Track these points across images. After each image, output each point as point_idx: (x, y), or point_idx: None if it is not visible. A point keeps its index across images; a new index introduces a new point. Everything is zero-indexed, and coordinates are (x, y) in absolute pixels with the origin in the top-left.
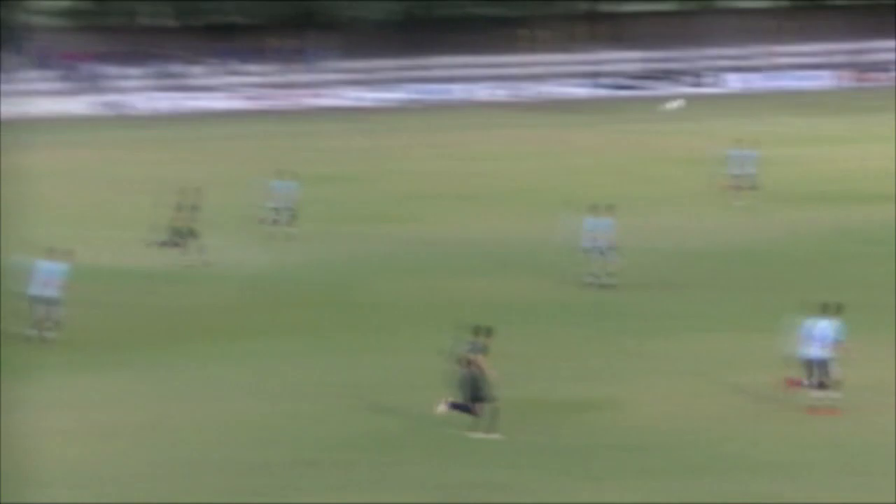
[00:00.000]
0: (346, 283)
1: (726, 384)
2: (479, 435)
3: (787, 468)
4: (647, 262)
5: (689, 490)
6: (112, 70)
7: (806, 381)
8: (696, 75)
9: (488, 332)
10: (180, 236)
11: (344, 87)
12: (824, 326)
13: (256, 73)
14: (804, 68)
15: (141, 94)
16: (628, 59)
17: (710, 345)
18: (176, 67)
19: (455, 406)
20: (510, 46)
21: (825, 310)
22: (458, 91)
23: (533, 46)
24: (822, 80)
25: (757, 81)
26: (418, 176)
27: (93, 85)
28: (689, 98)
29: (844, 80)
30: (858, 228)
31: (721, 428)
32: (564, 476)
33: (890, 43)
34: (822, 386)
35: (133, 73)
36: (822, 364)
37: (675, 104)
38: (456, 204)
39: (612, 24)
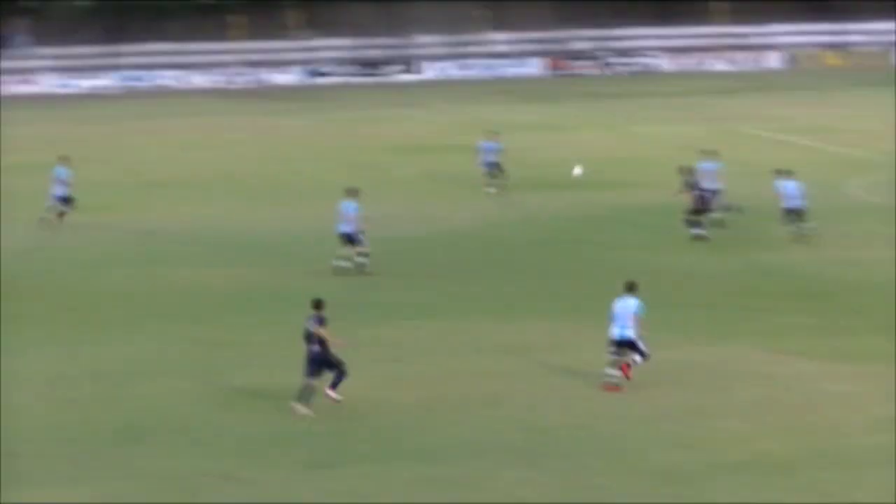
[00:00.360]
0: (71, 274)
1: (449, 370)
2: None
3: (471, 451)
4: (377, 251)
5: (396, 474)
6: None
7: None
8: (405, 63)
9: (319, 303)
10: None
11: (51, 74)
12: (627, 305)
13: None
14: (508, 56)
15: None
16: (340, 47)
17: (435, 331)
18: None
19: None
20: (223, 33)
21: (631, 289)
22: (171, 78)
23: (245, 34)
24: (526, 69)
25: (462, 70)
26: (135, 165)
27: None
28: (400, 85)
29: (547, 68)
30: (590, 214)
31: (439, 414)
32: (284, 464)
33: (590, 32)
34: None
35: None
36: (626, 342)
37: (576, 171)
38: (174, 192)
39: (324, 12)
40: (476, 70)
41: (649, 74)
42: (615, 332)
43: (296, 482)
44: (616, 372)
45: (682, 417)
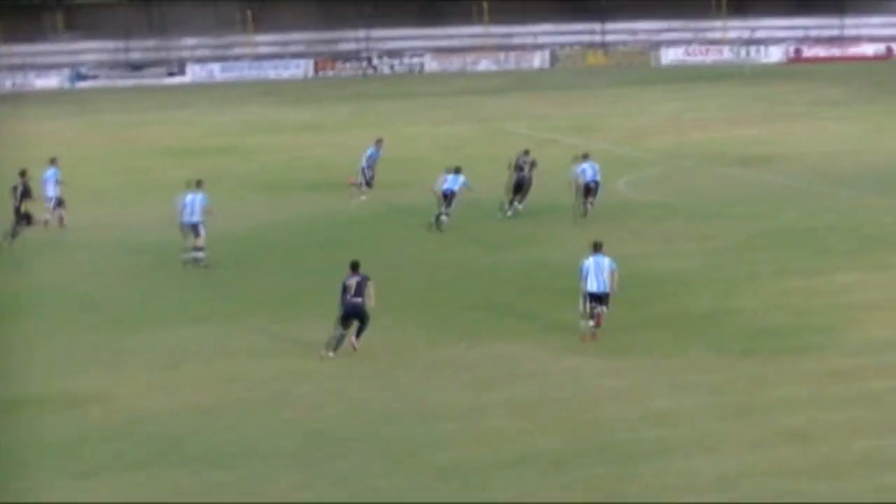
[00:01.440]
0: None
1: (227, 374)
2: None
3: (249, 455)
4: (146, 256)
5: (172, 480)
6: None
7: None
8: (169, 65)
9: (357, 265)
10: None
11: None
12: (600, 262)
13: None
14: (273, 58)
15: None
16: (103, 50)
17: (211, 335)
18: None
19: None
20: None
21: (598, 248)
22: None
23: (4, 36)
24: (292, 70)
25: (227, 72)
26: None
27: None
28: (165, 88)
29: (313, 70)
30: (359, 214)
31: (217, 418)
32: (58, 473)
33: (355, 33)
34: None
35: None
36: (604, 295)
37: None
38: None
39: (84, 14)
40: (241, 72)
41: (416, 75)
42: (592, 285)
43: (70, 491)
44: (591, 322)
45: (459, 416)
